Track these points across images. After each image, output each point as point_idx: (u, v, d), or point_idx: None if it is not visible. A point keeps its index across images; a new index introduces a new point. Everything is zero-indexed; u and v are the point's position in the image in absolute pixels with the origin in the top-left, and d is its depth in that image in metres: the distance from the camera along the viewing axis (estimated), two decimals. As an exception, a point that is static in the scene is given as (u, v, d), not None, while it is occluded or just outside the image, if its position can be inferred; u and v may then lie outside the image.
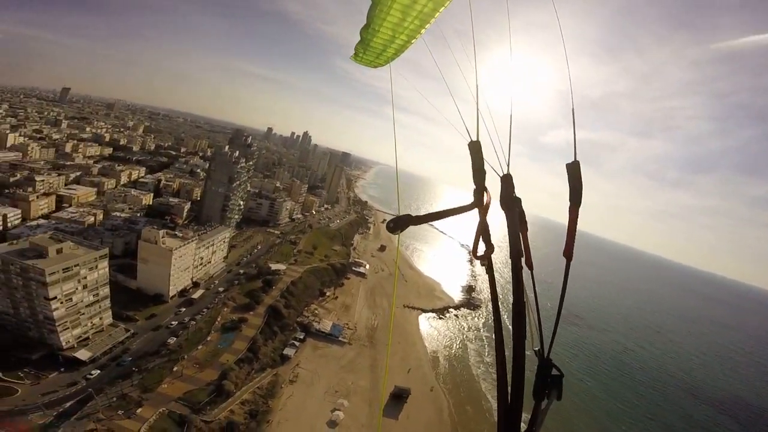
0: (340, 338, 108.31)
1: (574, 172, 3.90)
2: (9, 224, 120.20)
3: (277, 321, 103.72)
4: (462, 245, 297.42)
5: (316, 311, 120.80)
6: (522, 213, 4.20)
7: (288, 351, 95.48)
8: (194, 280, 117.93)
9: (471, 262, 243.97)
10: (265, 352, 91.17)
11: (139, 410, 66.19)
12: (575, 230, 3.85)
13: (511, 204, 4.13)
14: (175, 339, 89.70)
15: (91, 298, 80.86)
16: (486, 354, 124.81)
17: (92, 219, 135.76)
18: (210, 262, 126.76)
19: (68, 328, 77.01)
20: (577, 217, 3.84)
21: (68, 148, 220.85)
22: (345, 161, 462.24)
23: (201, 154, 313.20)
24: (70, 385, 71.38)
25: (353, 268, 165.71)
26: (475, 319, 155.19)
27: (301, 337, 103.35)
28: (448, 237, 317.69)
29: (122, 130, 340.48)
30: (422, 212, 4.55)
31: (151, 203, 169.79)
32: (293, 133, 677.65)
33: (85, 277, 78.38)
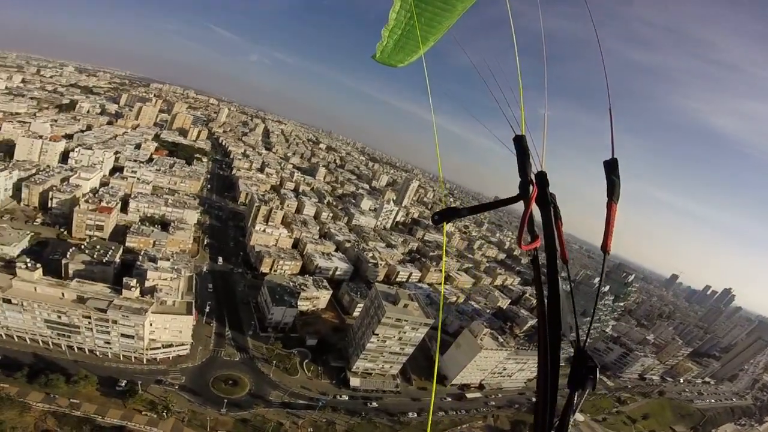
0: None
1: (612, 168, 4.12)
2: (410, 279, 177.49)
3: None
4: None
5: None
6: (557, 209, 4.37)
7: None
8: (482, 382, 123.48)
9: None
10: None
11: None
12: (613, 225, 4.03)
13: (546, 200, 4.33)
14: (415, 416, 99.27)
15: (397, 349, 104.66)
16: None
17: (455, 299, 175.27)
18: (510, 376, 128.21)
19: (366, 359, 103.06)
20: (615, 213, 4.06)
21: (476, 245, 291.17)
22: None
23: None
24: (322, 393, 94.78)
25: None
26: None
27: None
28: None
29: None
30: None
31: (503, 307, 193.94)
32: (707, 287, 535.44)
33: (405, 333, 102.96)
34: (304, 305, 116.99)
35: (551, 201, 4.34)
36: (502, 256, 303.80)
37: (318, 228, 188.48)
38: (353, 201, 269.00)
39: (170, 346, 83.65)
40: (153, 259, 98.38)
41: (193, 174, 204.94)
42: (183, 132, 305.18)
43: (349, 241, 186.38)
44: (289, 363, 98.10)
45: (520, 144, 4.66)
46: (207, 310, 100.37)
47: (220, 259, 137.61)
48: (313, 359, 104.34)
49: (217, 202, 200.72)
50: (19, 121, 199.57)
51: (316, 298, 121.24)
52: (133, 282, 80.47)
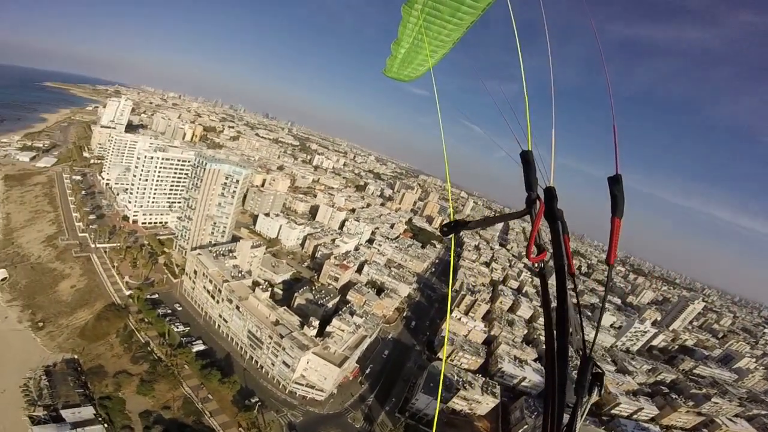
0: None
1: (615, 184, 4.17)
2: (635, 415, 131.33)
3: None
4: None
5: None
6: (564, 223, 4.39)
7: None
8: None
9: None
10: None
11: None
12: (617, 240, 4.13)
13: (554, 215, 4.39)
14: None
15: None
16: None
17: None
18: None
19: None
20: (620, 228, 4.11)
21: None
22: None
23: None
24: None
25: None
26: None
27: None
28: None
29: None
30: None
31: None
32: None
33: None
34: (458, 404, 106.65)
35: (559, 216, 4.39)
36: None
37: (525, 332, 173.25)
38: (589, 314, 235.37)
39: (312, 387, 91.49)
40: (352, 313, 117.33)
41: (422, 256, 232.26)
42: (429, 219, 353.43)
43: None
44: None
45: (526, 159, 4.72)
46: (367, 371, 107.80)
47: (408, 332, 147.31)
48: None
49: (434, 284, 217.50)
50: (329, 193, 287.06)
51: (476, 402, 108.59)
52: (315, 323, 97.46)
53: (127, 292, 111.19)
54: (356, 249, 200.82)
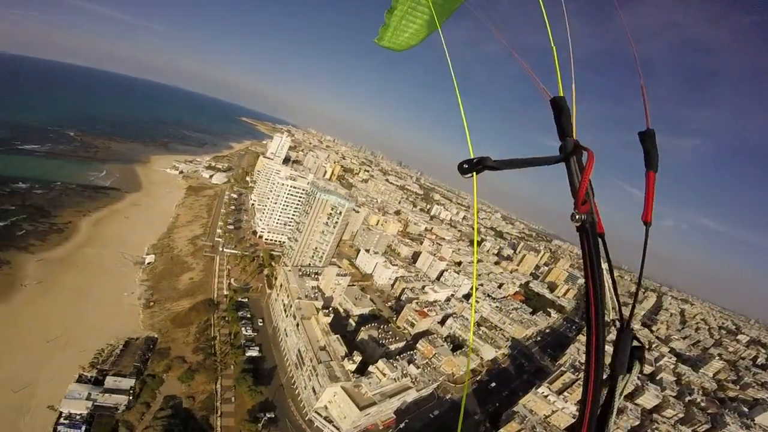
0: None
1: (648, 139, 4.08)
2: None
3: None
4: None
5: None
6: (590, 182, 3.93)
7: None
8: None
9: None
10: None
11: None
12: (653, 196, 3.84)
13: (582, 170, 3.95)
14: None
15: None
16: None
17: None
18: None
19: None
20: (654, 183, 3.90)
21: None
22: None
23: None
24: None
25: None
26: None
27: None
28: None
29: None
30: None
31: None
32: None
33: None
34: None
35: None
36: None
37: (637, 424, 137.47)
38: (745, 409, 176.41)
39: (330, 422, 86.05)
40: (410, 361, 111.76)
41: (527, 322, 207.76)
42: (552, 286, 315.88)
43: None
44: None
45: (560, 105, 4.32)
46: (402, 426, 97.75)
47: (475, 398, 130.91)
48: None
49: (533, 354, 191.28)
50: (437, 243, 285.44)
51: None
52: (356, 357, 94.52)
53: (225, 292, 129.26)
54: (447, 300, 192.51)
